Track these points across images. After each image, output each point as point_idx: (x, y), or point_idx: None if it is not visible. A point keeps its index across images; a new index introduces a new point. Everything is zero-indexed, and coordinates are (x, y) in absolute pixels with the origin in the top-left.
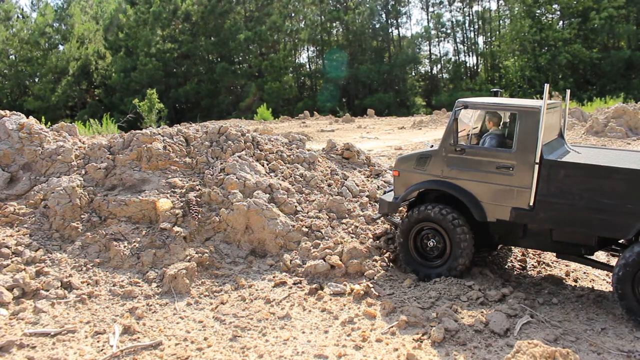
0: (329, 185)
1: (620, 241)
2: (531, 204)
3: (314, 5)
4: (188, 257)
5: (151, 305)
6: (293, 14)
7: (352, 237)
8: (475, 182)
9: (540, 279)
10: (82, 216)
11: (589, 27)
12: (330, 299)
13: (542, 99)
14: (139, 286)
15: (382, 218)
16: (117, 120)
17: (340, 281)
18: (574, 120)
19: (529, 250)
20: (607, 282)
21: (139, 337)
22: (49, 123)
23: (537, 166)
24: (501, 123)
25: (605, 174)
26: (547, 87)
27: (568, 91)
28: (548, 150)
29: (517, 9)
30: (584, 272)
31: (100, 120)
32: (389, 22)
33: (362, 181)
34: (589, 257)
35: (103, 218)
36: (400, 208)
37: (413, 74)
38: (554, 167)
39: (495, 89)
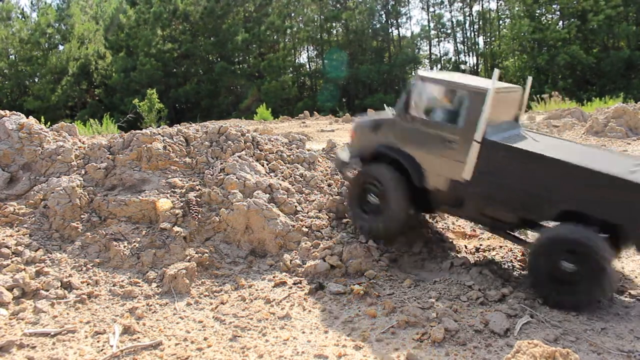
0: (329, 185)
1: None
2: (467, 178)
3: (314, 4)
4: (188, 257)
5: (151, 305)
6: (292, 14)
7: (352, 237)
8: (420, 151)
9: None
10: (82, 216)
11: (588, 28)
12: (330, 299)
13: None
14: (139, 286)
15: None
16: (117, 120)
17: (340, 281)
18: (574, 120)
19: (529, 250)
20: None
21: (139, 337)
22: (49, 123)
23: (477, 144)
24: (455, 99)
25: (534, 161)
26: (496, 72)
27: (529, 78)
28: (494, 131)
29: (517, 8)
30: None
31: (100, 120)
32: (389, 22)
33: None
34: (513, 233)
35: (103, 218)
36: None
37: (413, 74)
38: (492, 148)
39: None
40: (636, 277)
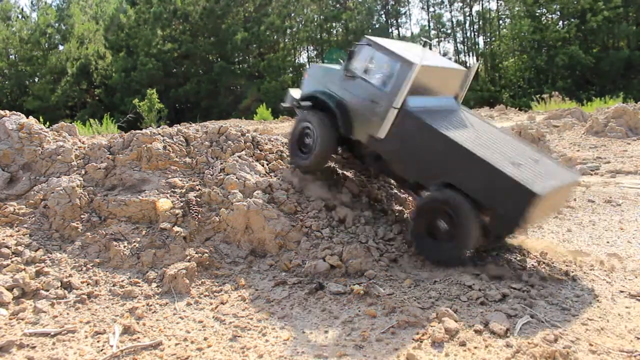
0: (329, 185)
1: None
2: (382, 137)
3: (314, 4)
4: (188, 257)
5: (151, 305)
6: (292, 14)
7: (352, 237)
8: (353, 104)
9: (541, 279)
10: (82, 216)
11: (588, 28)
12: (330, 299)
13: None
14: (139, 286)
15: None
16: (117, 120)
17: (340, 281)
18: (574, 120)
19: (529, 250)
20: (606, 282)
21: (139, 337)
22: (49, 123)
23: (395, 109)
24: (388, 66)
25: (433, 135)
26: (427, 46)
27: (475, 63)
28: (417, 101)
29: (517, 8)
30: (584, 272)
31: (100, 120)
32: (389, 22)
33: (362, 181)
34: (414, 191)
35: (103, 218)
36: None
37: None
38: (404, 115)
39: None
40: (636, 276)
